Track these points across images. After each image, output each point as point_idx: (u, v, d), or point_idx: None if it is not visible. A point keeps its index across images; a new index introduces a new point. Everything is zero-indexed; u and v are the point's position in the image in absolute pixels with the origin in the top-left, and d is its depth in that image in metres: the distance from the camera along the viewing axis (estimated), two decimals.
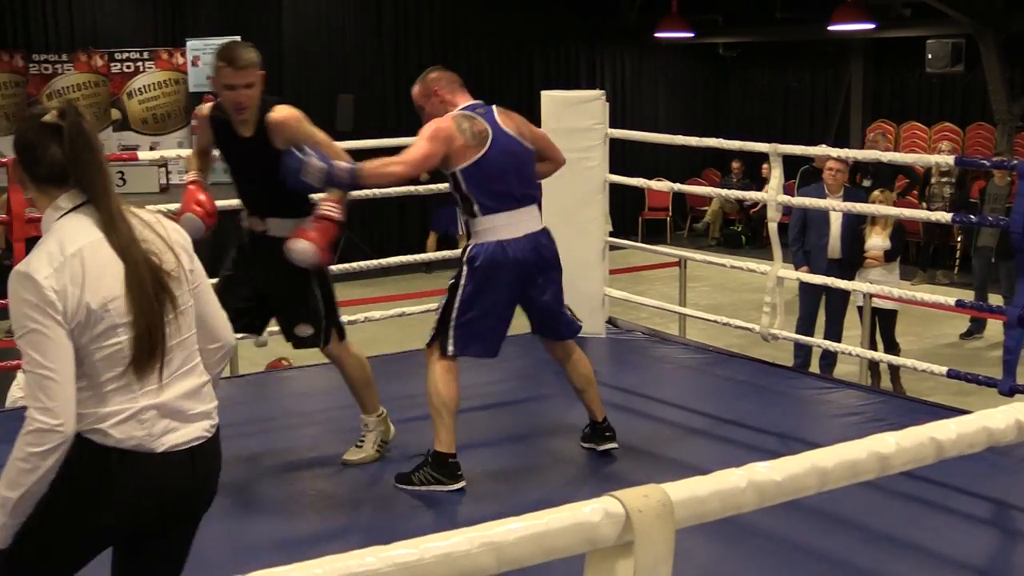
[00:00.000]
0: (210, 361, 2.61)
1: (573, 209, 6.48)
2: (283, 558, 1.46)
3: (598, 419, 4.79)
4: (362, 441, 4.72)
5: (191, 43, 16.09)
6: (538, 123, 6.54)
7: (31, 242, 4.97)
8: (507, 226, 4.44)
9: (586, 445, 4.84)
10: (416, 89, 4.58)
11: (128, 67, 16.46)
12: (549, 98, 6.59)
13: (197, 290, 2.56)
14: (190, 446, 2.46)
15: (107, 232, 2.40)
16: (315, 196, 4.52)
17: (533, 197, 4.57)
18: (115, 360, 2.38)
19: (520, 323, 4.77)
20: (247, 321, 4.60)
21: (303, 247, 4.27)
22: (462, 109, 4.48)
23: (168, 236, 2.53)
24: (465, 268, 4.45)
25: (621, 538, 1.49)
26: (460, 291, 4.44)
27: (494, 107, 4.56)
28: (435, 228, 14.35)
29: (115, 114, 16.44)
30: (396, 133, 5.93)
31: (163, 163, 15.31)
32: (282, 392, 6.21)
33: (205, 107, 4.59)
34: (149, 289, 2.40)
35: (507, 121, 4.52)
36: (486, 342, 4.53)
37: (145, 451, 2.40)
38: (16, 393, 6.03)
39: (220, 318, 2.66)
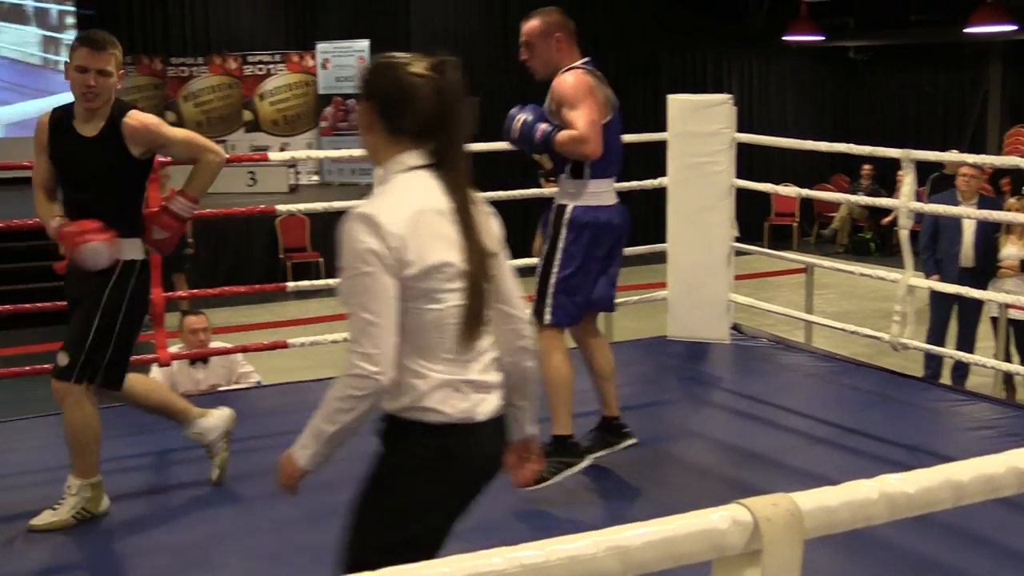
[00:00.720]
0: (510, 339, 2.59)
1: (699, 214, 6.43)
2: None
3: (616, 415, 4.53)
4: (60, 504, 4.07)
5: (321, 46, 16.37)
6: (664, 127, 6.52)
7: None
8: (609, 192, 4.34)
9: (601, 453, 4.44)
10: (534, 24, 4.27)
11: (260, 70, 16.82)
12: (676, 102, 6.54)
13: (501, 271, 2.55)
14: (495, 415, 2.50)
15: (451, 197, 2.41)
16: (175, 193, 4.21)
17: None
18: (439, 328, 2.39)
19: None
20: None
21: (93, 248, 3.93)
22: (585, 64, 4.30)
23: (485, 215, 2.54)
24: (564, 231, 4.26)
25: (749, 546, 1.47)
26: (560, 254, 4.26)
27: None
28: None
29: (247, 115, 16.82)
30: None
31: (292, 163, 15.61)
32: None
33: (44, 116, 4.16)
34: (478, 262, 2.42)
35: None
36: (577, 310, 4.32)
37: (470, 423, 2.42)
38: None
39: (516, 298, 2.61)
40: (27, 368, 5.57)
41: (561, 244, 4.26)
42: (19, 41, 16.74)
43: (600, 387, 4.53)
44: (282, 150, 15.96)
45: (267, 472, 4.72)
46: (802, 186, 8.50)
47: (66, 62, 4.02)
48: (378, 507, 2.46)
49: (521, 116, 4.27)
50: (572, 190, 4.30)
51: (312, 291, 9.28)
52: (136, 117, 4.03)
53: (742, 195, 6.70)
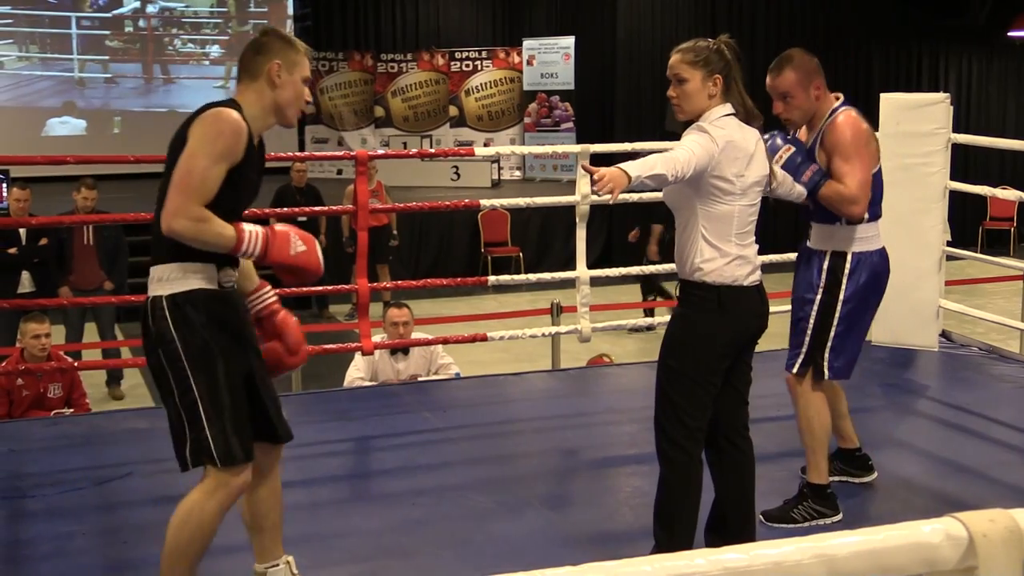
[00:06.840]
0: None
1: (910, 216, 6.22)
2: (600, 554, 1.47)
3: (857, 445, 4.45)
4: None
5: (527, 43, 16.53)
6: (876, 126, 6.33)
7: (373, 232, 5.25)
8: (878, 235, 4.15)
9: (841, 479, 4.41)
10: (790, 77, 3.99)
11: (467, 66, 17.10)
12: (889, 100, 6.35)
13: (776, 183, 3.76)
14: (759, 283, 3.58)
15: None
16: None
17: None
18: (735, 221, 3.48)
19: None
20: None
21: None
22: (845, 105, 4.06)
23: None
24: (845, 281, 4.06)
25: (963, 562, 1.41)
26: (840, 306, 4.05)
27: None
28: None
29: (452, 111, 17.13)
30: None
31: (496, 159, 15.81)
32: (602, 388, 6.28)
33: (236, 114, 3.14)
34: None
35: None
36: (851, 362, 4.16)
37: (740, 285, 3.51)
38: (353, 374, 6.36)
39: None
40: None
41: (842, 295, 4.06)
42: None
43: (837, 424, 4.38)
44: (486, 145, 16.20)
45: (464, 462, 4.82)
46: (1022, 189, 8.12)
47: (277, 63, 3.20)
48: None
49: (789, 147, 4.00)
50: (849, 236, 4.10)
51: (511, 285, 9.38)
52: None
53: (956, 198, 6.47)
